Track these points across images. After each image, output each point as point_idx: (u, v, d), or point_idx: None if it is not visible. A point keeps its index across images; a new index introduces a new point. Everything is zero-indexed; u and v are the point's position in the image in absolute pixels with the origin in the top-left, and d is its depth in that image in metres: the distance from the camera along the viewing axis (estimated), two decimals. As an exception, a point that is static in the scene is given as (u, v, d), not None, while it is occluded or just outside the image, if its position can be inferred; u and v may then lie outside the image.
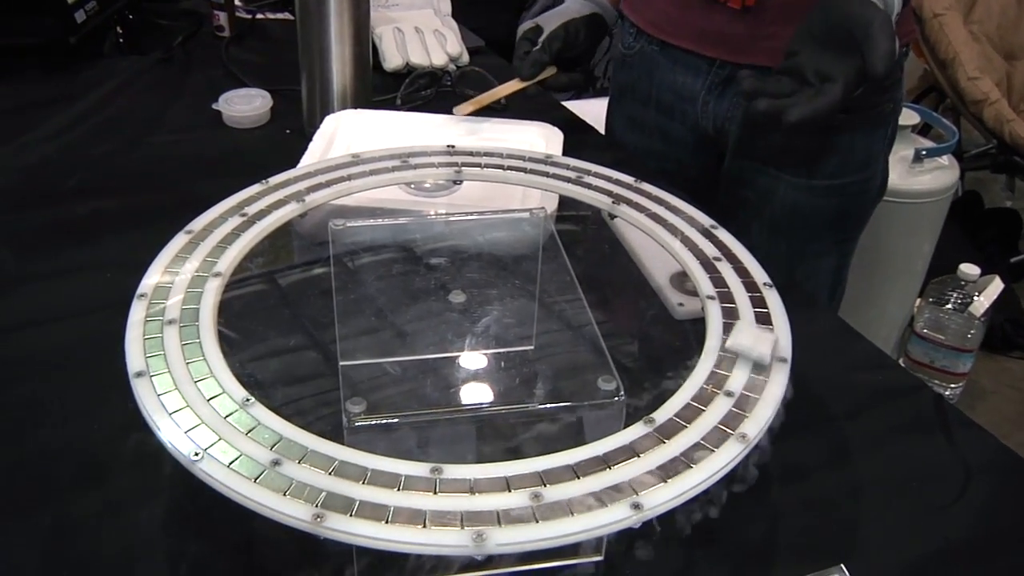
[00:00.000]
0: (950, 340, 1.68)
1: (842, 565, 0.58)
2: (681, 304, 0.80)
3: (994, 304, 1.65)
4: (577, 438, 0.54)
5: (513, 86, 1.03)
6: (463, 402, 0.58)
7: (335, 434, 0.51)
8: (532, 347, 0.65)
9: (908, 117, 1.72)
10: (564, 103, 1.32)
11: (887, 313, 1.83)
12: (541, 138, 0.97)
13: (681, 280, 0.83)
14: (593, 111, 1.25)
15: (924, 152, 1.71)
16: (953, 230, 1.88)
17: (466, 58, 1.29)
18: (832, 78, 0.77)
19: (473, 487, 0.46)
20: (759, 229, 1.05)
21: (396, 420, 0.51)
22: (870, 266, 1.69)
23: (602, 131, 1.20)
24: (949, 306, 1.68)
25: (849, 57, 0.77)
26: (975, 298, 1.66)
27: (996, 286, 1.66)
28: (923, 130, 1.92)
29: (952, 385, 1.71)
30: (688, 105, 1.06)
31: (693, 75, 1.04)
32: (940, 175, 1.73)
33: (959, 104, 2.30)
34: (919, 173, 1.72)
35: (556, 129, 0.98)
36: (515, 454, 0.51)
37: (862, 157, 1.02)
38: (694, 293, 0.81)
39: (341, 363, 0.58)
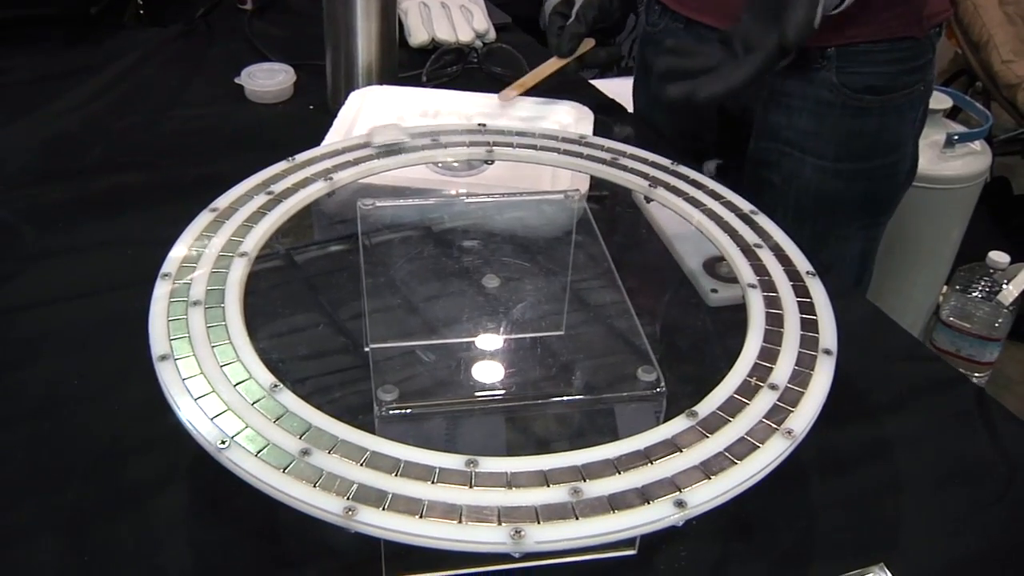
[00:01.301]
0: (977, 328, 1.66)
1: (882, 563, 0.56)
2: (715, 291, 0.78)
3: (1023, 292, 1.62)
4: (614, 430, 0.52)
5: (552, 65, 1.00)
6: (498, 391, 0.56)
7: (362, 418, 0.49)
8: (568, 334, 0.63)
9: (939, 101, 1.68)
10: (591, 81, 1.29)
11: (913, 300, 1.80)
12: (571, 117, 0.95)
13: (714, 266, 0.81)
14: (619, 90, 1.22)
15: (956, 137, 1.68)
16: (981, 216, 1.84)
17: (493, 34, 1.27)
18: (753, 48, 0.74)
19: (510, 481, 0.44)
20: (784, 212, 1.03)
21: (429, 410, 0.49)
22: (897, 252, 1.66)
23: (630, 110, 1.17)
24: (976, 294, 1.66)
25: (774, 27, 0.73)
26: (1004, 286, 1.63)
27: (1026, 274, 1.63)
28: (951, 114, 1.88)
29: (977, 374, 1.69)
30: None
31: None
32: (971, 160, 1.70)
33: (992, 88, 2.25)
34: (950, 158, 1.68)
35: (587, 109, 0.96)
36: (550, 446, 0.49)
37: (891, 140, 1.00)
38: (727, 279, 0.79)
39: (371, 347, 0.56)
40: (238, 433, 0.46)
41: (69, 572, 0.54)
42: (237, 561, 0.56)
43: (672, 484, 0.45)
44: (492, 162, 0.70)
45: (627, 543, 0.56)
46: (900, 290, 1.77)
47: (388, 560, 0.53)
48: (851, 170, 1.00)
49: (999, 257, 1.62)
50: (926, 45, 0.96)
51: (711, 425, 0.48)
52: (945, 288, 1.76)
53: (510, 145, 0.73)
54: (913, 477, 0.64)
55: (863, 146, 0.98)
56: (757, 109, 1.01)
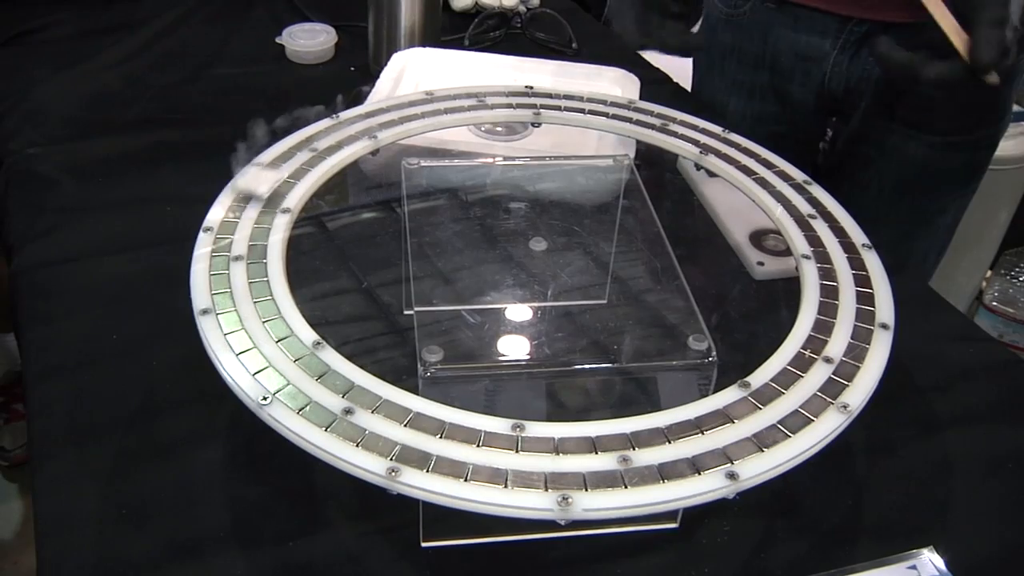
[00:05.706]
0: (1021, 314, 1.62)
1: (932, 546, 0.55)
2: (761, 263, 0.76)
3: (1071, 279, 1.59)
4: (662, 400, 0.51)
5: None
6: (547, 356, 0.54)
7: (401, 380, 0.48)
8: (618, 300, 0.61)
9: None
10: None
11: (955, 284, 1.76)
12: (617, 85, 0.93)
13: (760, 238, 0.79)
14: (667, 63, 1.19)
15: (1008, 117, 1.64)
16: (1030, 200, 1.80)
17: (536, 0, 1.25)
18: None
19: (557, 447, 0.43)
20: (880, 187, 1.00)
21: (475, 372, 0.48)
22: (941, 234, 1.62)
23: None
24: (1023, 279, 1.62)
25: None
26: (1051, 272, 1.60)
27: (1075, 260, 1.60)
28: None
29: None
30: (813, 66, 0.99)
31: (820, 35, 0.97)
32: (1022, 141, 1.66)
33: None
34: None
35: (633, 76, 0.93)
36: (597, 414, 0.48)
37: (1000, 109, 0.97)
38: (774, 252, 0.77)
39: (415, 309, 0.55)
40: (280, 390, 0.45)
41: (106, 525, 0.54)
42: (273, 519, 0.55)
43: (724, 455, 0.43)
44: (539, 124, 0.69)
45: (669, 516, 0.55)
46: (942, 273, 1.72)
47: (426, 525, 0.52)
48: (958, 142, 0.97)
49: (1048, 242, 1.58)
50: None
51: (764, 397, 0.47)
52: (990, 272, 1.72)
53: (558, 108, 0.71)
54: (964, 460, 0.62)
55: (972, 118, 0.96)
56: (866, 88, 0.98)
